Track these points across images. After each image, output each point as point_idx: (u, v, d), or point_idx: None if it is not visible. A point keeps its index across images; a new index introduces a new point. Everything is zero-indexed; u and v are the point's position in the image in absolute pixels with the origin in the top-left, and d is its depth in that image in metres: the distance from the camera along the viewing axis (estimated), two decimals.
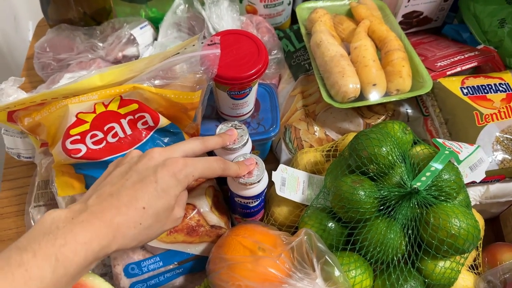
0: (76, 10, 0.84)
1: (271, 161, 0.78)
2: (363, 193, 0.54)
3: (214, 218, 0.62)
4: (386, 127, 0.61)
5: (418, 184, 0.53)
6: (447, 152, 0.56)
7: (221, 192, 0.67)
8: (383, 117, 0.73)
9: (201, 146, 0.52)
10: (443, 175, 0.55)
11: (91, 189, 0.45)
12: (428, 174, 0.54)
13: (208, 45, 0.59)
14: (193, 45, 0.60)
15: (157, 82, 0.57)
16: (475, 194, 0.65)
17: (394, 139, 0.57)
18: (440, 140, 0.58)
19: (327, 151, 0.69)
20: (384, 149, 0.55)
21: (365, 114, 0.74)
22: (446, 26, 0.90)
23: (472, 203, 0.66)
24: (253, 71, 0.60)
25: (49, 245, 0.36)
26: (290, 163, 0.72)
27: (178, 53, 0.59)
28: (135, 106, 0.57)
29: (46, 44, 0.81)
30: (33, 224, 0.68)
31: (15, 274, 0.34)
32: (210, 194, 0.63)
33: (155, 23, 0.89)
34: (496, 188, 0.65)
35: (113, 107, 0.57)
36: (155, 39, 0.83)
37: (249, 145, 0.63)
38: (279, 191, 0.62)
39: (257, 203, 0.62)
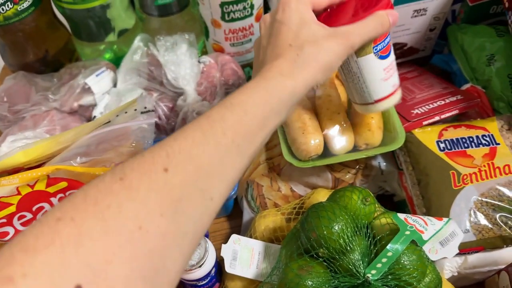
0: (34, 53, 0.79)
1: (237, 216, 0.72)
2: (310, 283, 0.48)
3: None
4: (344, 197, 0.54)
5: (373, 272, 0.47)
6: (408, 232, 0.49)
7: None
8: (353, 171, 0.67)
9: None
10: (402, 260, 0.48)
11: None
12: (384, 260, 0.48)
13: (142, 112, 0.54)
14: (126, 112, 0.55)
15: (83, 159, 0.52)
16: (451, 266, 0.58)
17: (349, 216, 0.50)
18: (402, 216, 0.51)
19: (289, 213, 0.63)
20: (335, 230, 0.49)
21: (335, 167, 0.67)
22: (435, 56, 0.82)
23: (450, 275, 0.59)
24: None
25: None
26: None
27: (109, 121, 0.54)
28: (64, 184, 0.53)
29: (3, 94, 0.77)
30: None
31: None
32: None
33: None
34: (475, 258, 0.57)
35: (40, 186, 0.53)
36: (115, 84, 0.77)
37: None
38: (229, 267, 0.57)
39: (206, 281, 0.57)
